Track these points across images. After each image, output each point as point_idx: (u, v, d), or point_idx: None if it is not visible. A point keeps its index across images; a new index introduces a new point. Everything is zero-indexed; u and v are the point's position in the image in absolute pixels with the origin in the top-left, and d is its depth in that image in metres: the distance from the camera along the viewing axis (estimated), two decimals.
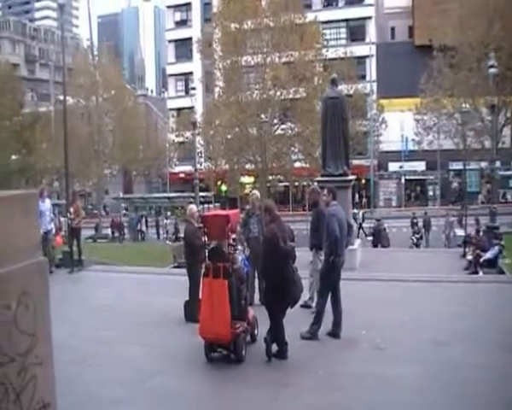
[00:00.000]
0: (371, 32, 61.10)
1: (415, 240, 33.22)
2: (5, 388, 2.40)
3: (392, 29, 66.00)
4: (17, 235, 2.55)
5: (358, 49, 55.46)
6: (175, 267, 21.67)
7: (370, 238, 32.97)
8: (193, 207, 12.13)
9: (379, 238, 31.66)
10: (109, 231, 47.73)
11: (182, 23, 71.86)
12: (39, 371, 2.62)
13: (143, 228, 48.52)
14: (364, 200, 56.67)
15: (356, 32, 62.27)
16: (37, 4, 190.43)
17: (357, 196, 52.69)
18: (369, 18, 61.70)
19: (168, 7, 74.16)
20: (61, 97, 38.28)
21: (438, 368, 8.04)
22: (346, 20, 61.82)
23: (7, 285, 2.45)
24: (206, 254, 9.13)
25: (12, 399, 2.45)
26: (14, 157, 51.85)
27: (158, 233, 48.25)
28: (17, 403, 2.48)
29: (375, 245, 30.75)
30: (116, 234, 46.72)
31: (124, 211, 55.36)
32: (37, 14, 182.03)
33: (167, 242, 40.55)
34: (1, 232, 2.45)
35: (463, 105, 41.29)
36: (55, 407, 2.75)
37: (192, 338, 9.05)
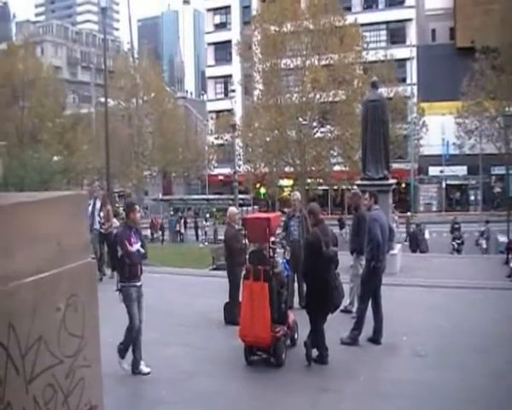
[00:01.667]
0: (412, 35, 60.39)
1: (455, 245, 32.64)
2: (54, 390, 2.41)
3: (433, 31, 65.15)
4: (66, 236, 2.55)
5: (399, 52, 54.93)
6: (214, 269, 21.73)
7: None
8: (233, 209, 12.13)
9: (416, 243, 31.19)
10: (148, 231, 48.13)
11: (221, 26, 72.16)
12: (87, 373, 2.62)
13: (182, 229, 48.73)
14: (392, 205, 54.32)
15: (396, 34, 61.63)
16: (79, 8, 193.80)
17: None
18: (410, 20, 61.00)
19: (208, 10, 74.48)
20: (102, 99, 38.79)
21: (481, 376, 7.89)
22: (387, 23, 61.20)
23: (56, 287, 2.45)
24: (247, 256, 9.13)
25: (60, 401, 2.45)
26: (55, 158, 52.64)
27: (197, 235, 48.46)
28: (65, 405, 2.48)
29: (413, 250, 30.23)
30: (155, 235, 47.11)
31: (171, 213, 55.53)
32: (79, 18, 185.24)
33: (200, 245, 40.79)
34: (50, 234, 2.46)
35: (506, 108, 40.62)
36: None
37: (232, 341, 9.05)
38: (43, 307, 2.34)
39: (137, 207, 9.10)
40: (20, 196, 2.51)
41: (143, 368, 8.34)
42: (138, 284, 8.52)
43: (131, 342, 8.39)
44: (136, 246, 8.47)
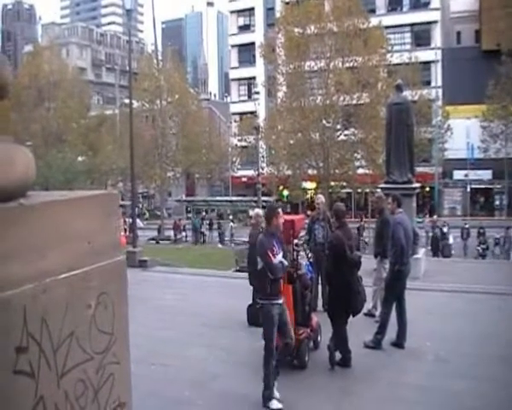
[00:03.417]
0: (437, 37, 59.97)
1: (480, 250, 32.36)
2: (85, 385, 2.45)
3: (458, 33, 64.48)
4: (97, 235, 2.59)
5: (423, 55, 54.56)
6: (237, 271, 21.78)
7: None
8: (259, 211, 12.11)
9: (437, 246, 30.98)
10: (172, 232, 48.33)
11: (245, 28, 72.25)
12: (116, 370, 2.65)
13: (205, 231, 48.83)
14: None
15: (421, 36, 61.19)
16: (104, 10, 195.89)
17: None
18: (435, 22, 60.50)
19: (231, 12, 74.59)
20: (126, 101, 39.09)
21: (505, 387, 7.76)
22: (411, 25, 60.79)
23: (87, 285, 2.49)
24: None
25: (90, 396, 2.49)
26: (80, 158, 53.22)
27: (220, 236, 48.49)
28: (95, 401, 2.52)
29: (434, 254, 29.98)
30: (178, 236, 47.31)
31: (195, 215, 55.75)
32: (104, 20, 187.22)
33: (219, 245, 40.89)
34: (82, 232, 2.50)
35: None
36: (131, 406, 2.79)
37: (255, 342, 9.04)
38: (74, 303, 2.38)
39: (281, 210, 7.56)
40: (52, 195, 2.55)
41: (275, 402, 7.17)
42: (280, 301, 7.22)
43: (271, 370, 7.21)
44: (279, 257, 7.15)
